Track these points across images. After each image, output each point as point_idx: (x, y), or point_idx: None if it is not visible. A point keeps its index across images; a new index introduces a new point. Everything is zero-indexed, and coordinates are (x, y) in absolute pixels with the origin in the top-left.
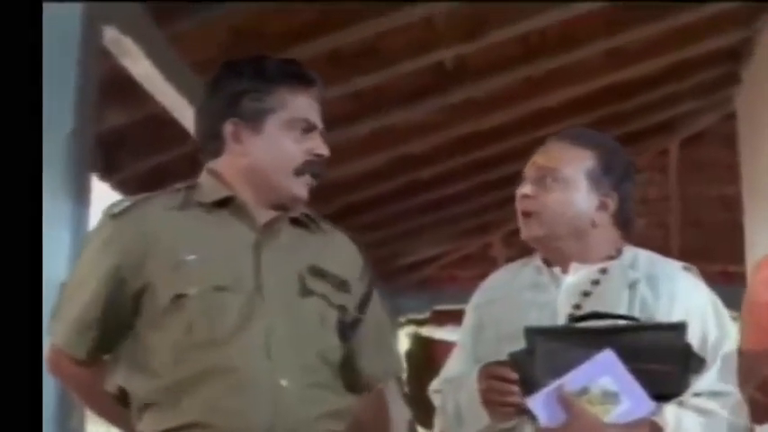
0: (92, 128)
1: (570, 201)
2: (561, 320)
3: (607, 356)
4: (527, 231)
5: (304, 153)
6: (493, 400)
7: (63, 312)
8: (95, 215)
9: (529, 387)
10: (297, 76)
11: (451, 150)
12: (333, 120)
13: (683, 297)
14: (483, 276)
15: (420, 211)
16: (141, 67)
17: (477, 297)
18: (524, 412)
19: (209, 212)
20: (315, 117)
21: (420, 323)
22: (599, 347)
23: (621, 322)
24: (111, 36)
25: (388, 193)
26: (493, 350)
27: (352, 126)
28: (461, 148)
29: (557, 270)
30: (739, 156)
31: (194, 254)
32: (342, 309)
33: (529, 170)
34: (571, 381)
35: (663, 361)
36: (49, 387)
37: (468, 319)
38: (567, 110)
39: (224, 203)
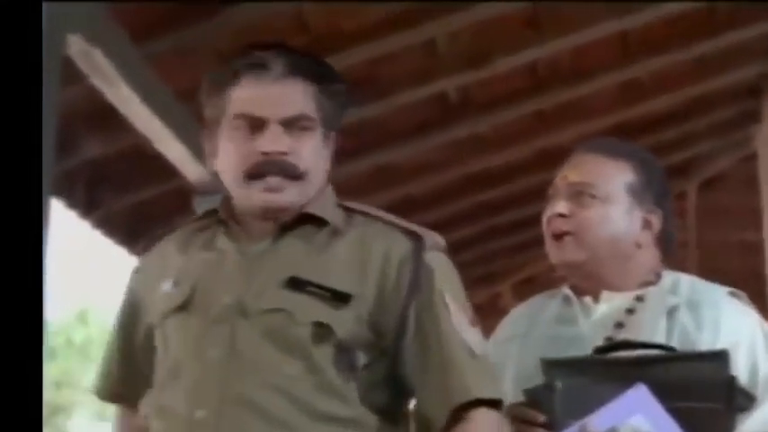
0: (52, 143)
1: (612, 219)
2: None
3: (639, 392)
4: (562, 255)
5: (252, 154)
6: None
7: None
8: (54, 239)
9: (547, 429)
10: (239, 66)
11: (456, 191)
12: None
13: (729, 325)
14: (492, 329)
15: None
16: (117, 89)
17: (498, 333)
18: None
19: (212, 232)
20: (264, 109)
21: None
22: (629, 382)
23: (654, 352)
24: (80, 48)
25: None
26: (512, 391)
27: (348, 164)
28: (467, 189)
29: (587, 300)
30: (761, 200)
31: (173, 281)
32: (323, 327)
33: (559, 186)
34: (597, 421)
35: (704, 397)
36: None
37: None
38: None
39: (220, 220)
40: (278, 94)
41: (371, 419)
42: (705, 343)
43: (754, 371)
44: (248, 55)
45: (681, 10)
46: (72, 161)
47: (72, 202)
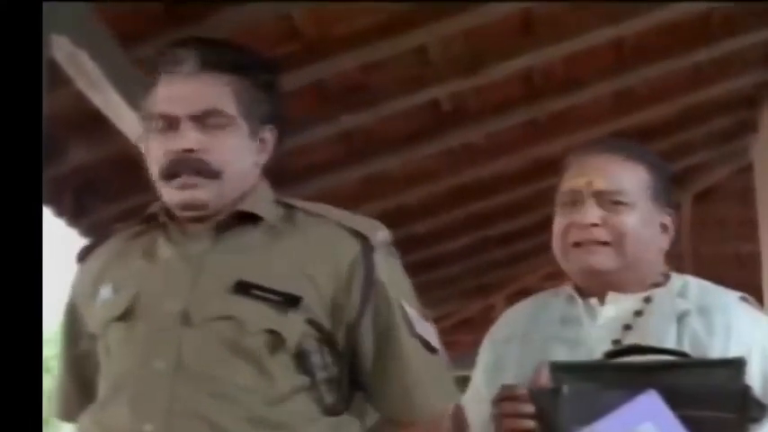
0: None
1: (643, 225)
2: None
3: (649, 399)
4: (591, 262)
5: (167, 153)
6: (507, 427)
7: None
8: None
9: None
10: (159, 66)
11: (449, 202)
12: (318, 166)
13: (741, 331)
14: None
15: (415, 270)
16: (104, 94)
17: (495, 332)
18: None
19: (152, 235)
20: (175, 107)
21: None
22: (639, 388)
23: (666, 358)
24: (66, 50)
25: None
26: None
27: (339, 173)
28: (460, 199)
29: (593, 301)
30: (757, 211)
31: (112, 287)
32: (275, 334)
33: (583, 191)
34: (605, 428)
35: (716, 406)
36: None
37: (484, 357)
38: None
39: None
40: (189, 91)
41: (326, 425)
42: (716, 349)
43: (766, 378)
44: (165, 53)
45: (676, 18)
46: (59, 168)
47: (60, 210)
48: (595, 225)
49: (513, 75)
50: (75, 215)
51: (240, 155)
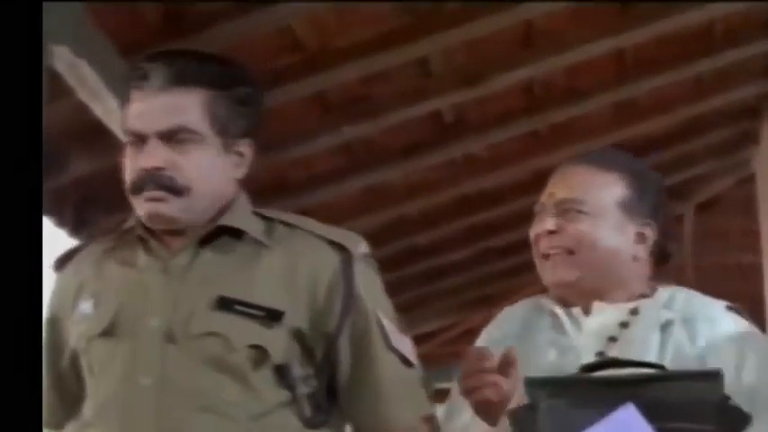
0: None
1: (603, 235)
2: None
3: (627, 413)
4: (554, 275)
5: (135, 170)
6: (469, 387)
7: None
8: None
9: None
10: (129, 82)
11: (451, 213)
12: (319, 177)
13: (724, 341)
14: None
15: (417, 282)
16: (104, 104)
17: (491, 331)
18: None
19: (132, 249)
20: (137, 123)
21: None
22: (617, 402)
23: (644, 371)
24: (66, 60)
25: (382, 260)
26: None
27: (340, 184)
28: (461, 210)
29: (576, 311)
30: (759, 222)
31: (92, 301)
32: (259, 349)
33: (545, 203)
34: None
35: (695, 418)
36: None
37: None
38: None
39: (136, 236)
40: (156, 107)
41: None
42: (698, 360)
43: (751, 388)
44: (134, 68)
45: (678, 29)
46: (60, 179)
47: (61, 221)
48: (552, 232)
49: (515, 86)
50: (76, 226)
51: (210, 170)
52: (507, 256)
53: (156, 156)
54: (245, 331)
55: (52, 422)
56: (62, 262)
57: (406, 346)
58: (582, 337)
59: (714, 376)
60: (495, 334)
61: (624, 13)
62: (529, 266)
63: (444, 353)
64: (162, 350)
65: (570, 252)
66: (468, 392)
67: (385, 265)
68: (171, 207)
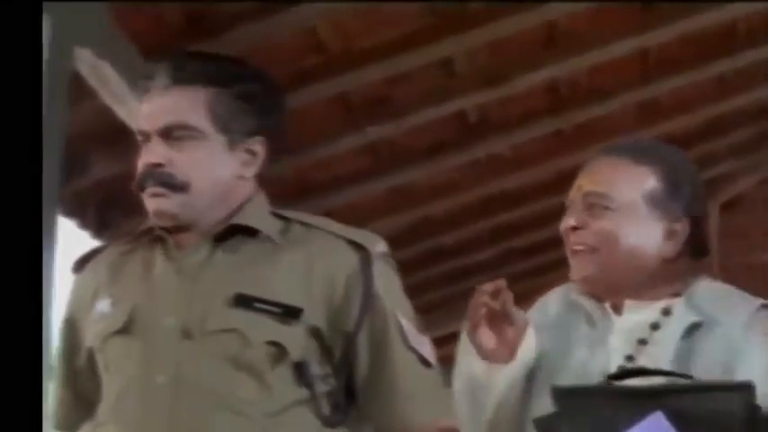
0: (59, 159)
1: (628, 231)
2: (613, 366)
3: (656, 421)
4: (576, 271)
5: (140, 167)
6: (473, 318)
7: None
8: (63, 259)
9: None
10: (143, 82)
11: (475, 213)
12: (343, 178)
13: (754, 348)
14: None
15: (442, 282)
16: (127, 106)
17: (530, 316)
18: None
19: (151, 249)
20: (142, 122)
21: None
22: (644, 413)
23: (673, 381)
24: (89, 62)
25: (407, 261)
26: (543, 383)
27: (364, 185)
28: (486, 210)
29: (607, 306)
30: None
31: (110, 300)
32: (277, 346)
33: (573, 197)
34: None
35: (725, 430)
36: None
37: None
38: None
39: (153, 236)
40: (159, 106)
41: None
42: (724, 367)
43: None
44: (149, 69)
45: (701, 28)
46: (83, 181)
47: (84, 223)
48: (576, 228)
49: (538, 86)
50: (99, 228)
51: (211, 167)
52: (531, 256)
53: (155, 152)
54: (262, 328)
55: (66, 423)
56: (81, 264)
57: (424, 346)
58: (613, 336)
59: (744, 388)
60: (535, 319)
61: (647, 13)
62: (553, 266)
63: None
64: (177, 348)
65: (593, 249)
66: (473, 327)
67: (409, 266)
68: (171, 203)
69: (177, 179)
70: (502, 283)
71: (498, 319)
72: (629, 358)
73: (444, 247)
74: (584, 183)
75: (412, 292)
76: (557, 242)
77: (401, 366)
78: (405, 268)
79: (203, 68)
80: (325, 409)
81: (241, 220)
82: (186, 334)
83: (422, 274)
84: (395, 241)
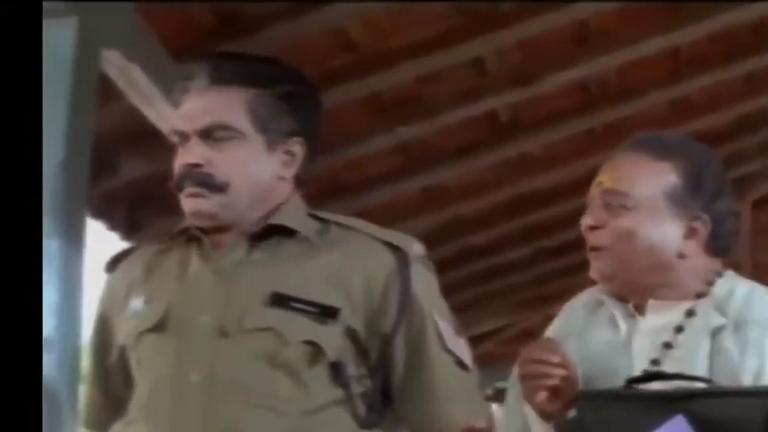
0: (87, 161)
1: (646, 230)
2: (637, 369)
3: (678, 425)
4: (593, 270)
5: (177, 167)
6: (531, 386)
7: None
8: (91, 257)
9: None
10: (181, 83)
11: (507, 212)
12: (375, 178)
13: None
14: None
15: (473, 282)
16: (156, 107)
17: (556, 326)
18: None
19: (185, 249)
20: (180, 122)
21: None
22: (664, 417)
23: (694, 385)
24: (117, 64)
25: (438, 260)
26: None
27: (396, 185)
28: (517, 209)
29: (630, 307)
30: None
31: (144, 298)
32: (314, 346)
33: (593, 193)
34: None
35: None
36: None
37: None
38: None
39: (189, 236)
40: (197, 106)
41: None
42: (748, 371)
43: None
44: (188, 68)
45: (730, 26)
46: (112, 183)
47: (113, 224)
48: (594, 228)
49: (569, 85)
50: (128, 229)
51: (250, 167)
52: (562, 255)
53: (194, 153)
54: (299, 327)
55: (96, 422)
56: (114, 263)
57: (461, 348)
58: (637, 338)
59: (766, 394)
60: (562, 329)
61: (676, 12)
62: (584, 266)
63: (505, 351)
64: (213, 346)
65: (610, 248)
66: (527, 378)
67: (441, 266)
68: (210, 203)
69: (216, 179)
70: (562, 351)
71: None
72: (655, 362)
73: (475, 246)
74: (603, 179)
75: (443, 291)
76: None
77: (438, 368)
78: (436, 268)
79: (242, 69)
80: (361, 409)
81: (279, 220)
82: (222, 332)
83: (453, 274)
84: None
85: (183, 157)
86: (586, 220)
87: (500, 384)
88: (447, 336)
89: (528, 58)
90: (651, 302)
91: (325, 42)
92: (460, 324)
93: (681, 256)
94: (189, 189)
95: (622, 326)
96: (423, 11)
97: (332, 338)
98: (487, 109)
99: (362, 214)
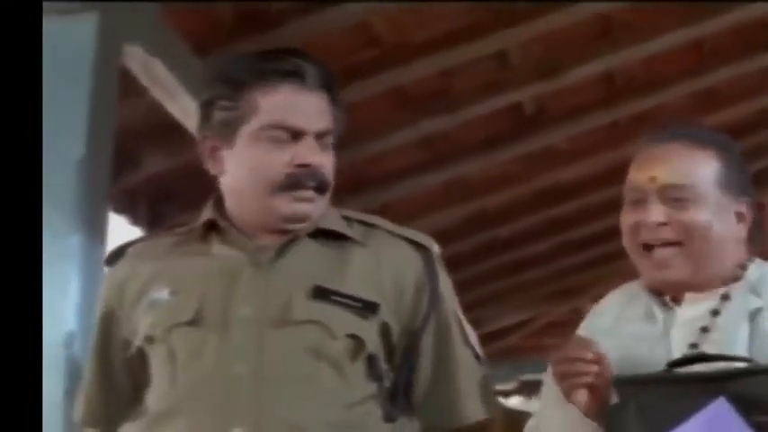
0: (108, 156)
1: (713, 222)
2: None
3: (720, 408)
4: (665, 273)
5: (284, 165)
6: (569, 385)
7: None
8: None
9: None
10: (271, 72)
11: (531, 206)
12: (399, 171)
13: None
14: None
15: (497, 275)
16: (178, 102)
17: (587, 323)
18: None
19: (203, 242)
20: (299, 119)
21: (506, 394)
22: (707, 398)
23: (736, 365)
24: (139, 59)
25: (463, 253)
26: None
27: (420, 178)
28: (542, 202)
29: (667, 299)
30: None
31: (168, 290)
32: (356, 340)
33: (646, 188)
34: None
35: None
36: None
37: None
38: None
39: (212, 229)
40: (314, 106)
41: (390, 429)
42: None
43: None
44: (281, 60)
45: (754, 17)
46: (134, 177)
47: (136, 219)
48: (662, 224)
49: (593, 77)
50: (151, 224)
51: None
52: (587, 248)
53: (316, 154)
54: (343, 321)
55: (95, 419)
56: (115, 257)
57: (476, 341)
58: (675, 328)
59: None
60: (593, 326)
61: (700, 4)
62: (608, 258)
63: (530, 344)
64: (258, 338)
65: (681, 244)
66: (564, 377)
67: (464, 259)
68: (315, 207)
69: (328, 183)
70: (594, 347)
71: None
72: (693, 346)
73: (499, 239)
74: (657, 174)
75: (467, 284)
76: (611, 234)
77: (461, 364)
78: (460, 261)
79: (329, 74)
80: (386, 404)
81: (325, 224)
82: (266, 324)
83: (477, 268)
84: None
85: (302, 156)
86: (648, 216)
87: (524, 377)
88: (468, 330)
89: (551, 51)
90: (687, 295)
91: (348, 37)
92: (483, 317)
93: (738, 241)
94: (302, 191)
95: (659, 316)
96: (445, 5)
97: (371, 333)
98: (511, 102)
99: (386, 208)
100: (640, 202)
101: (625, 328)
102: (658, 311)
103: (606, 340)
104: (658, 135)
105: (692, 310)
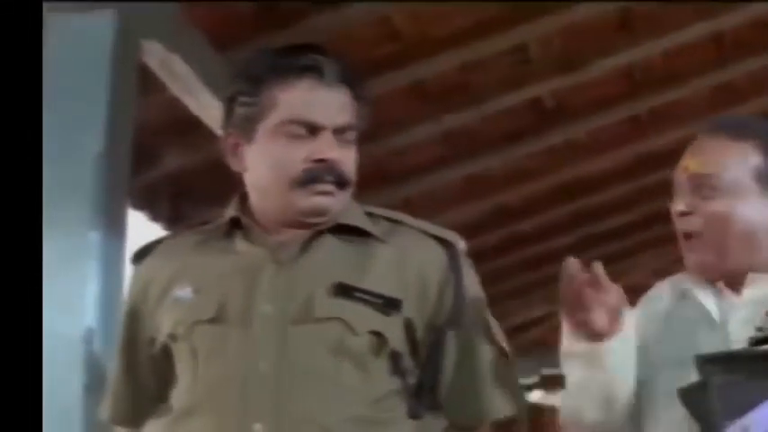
0: (127, 151)
1: (739, 213)
2: (736, 345)
3: None
4: (690, 259)
5: (302, 161)
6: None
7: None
8: (133, 248)
9: (704, 431)
10: (289, 67)
11: (552, 200)
12: (420, 166)
13: None
14: None
15: (520, 269)
16: (198, 97)
17: (639, 309)
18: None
19: (227, 239)
20: (317, 114)
21: (528, 388)
22: None
23: None
24: (158, 55)
25: (486, 248)
26: (656, 375)
27: (441, 173)
28: (563, 197)
29: (720, 286)
30: None
31: (191, 288)
32: (379, 336)
33: (679, 179)
34: (760, 418)
35: None
36: None
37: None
38: (677, 154)
39: (236, 226)
40: (332, 102)
41: (414, 426)
42: None
43: None
44: (299, 55)
45: None
46: (153, 173)
47: (155, 215)
48: (685, 214)
49: (614, 71)
50: (170, 220)
51: (354, 169)
52: (609, 241)
53: (335, 149)
54: (365, 317)
55: (121, 417)
56: (141, 254)
57: (503, 337)
58: (732, 316)
59: None
60: (644, 313)
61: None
62: (632, 252)
63: (553, 338)
64: (280, 335)
65: (704, 234)
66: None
67: (487, 254)
68: (334, 201)
69: (348, 178)
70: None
71: (593, 296)
72: (760, 330)
73: (522, 234)
74: (689, 164)
75: (490, 279)
76: (635, 227)
77: (487, 359)
78: (483, 256)
79: (351, 71)
80: (411, 400)
81: (347, 219)
82: (288, 321)
83: (499, 262)
84: (472, 229)
85: (320, 151)
86: (677, 206)
87: (546, 371)
88: (494, 326)
89: (572, 45)
90: (750, 276)
91: (369, 31)
92: (507, 311)
93: None
94: (321, 185)
95: (713, 309)
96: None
97: (394, 330)
98: (532, 96)
99: (407, 203)
100: (677, 191)
101: (679, 313)
102: (711, 304)
103: (663, 324)
104: (709, 126)
105: (755, 293)
